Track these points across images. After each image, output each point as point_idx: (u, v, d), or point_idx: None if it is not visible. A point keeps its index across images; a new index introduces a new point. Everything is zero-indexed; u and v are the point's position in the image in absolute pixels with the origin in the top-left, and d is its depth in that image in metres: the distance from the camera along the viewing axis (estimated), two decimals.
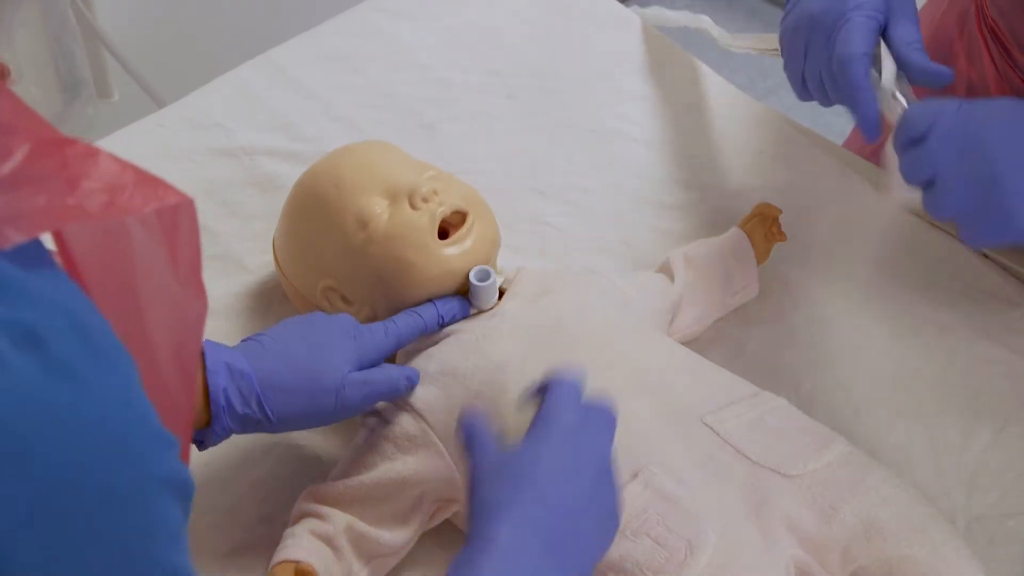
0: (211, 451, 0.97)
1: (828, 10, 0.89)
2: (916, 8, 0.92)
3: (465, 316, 0.94)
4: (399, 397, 0.89)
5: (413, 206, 0.95)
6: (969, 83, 1.12)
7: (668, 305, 1.01)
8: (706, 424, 0.89)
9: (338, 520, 0.86)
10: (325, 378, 0.85)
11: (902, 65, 0.89)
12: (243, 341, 0.88)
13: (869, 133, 0.88)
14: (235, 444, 0.98)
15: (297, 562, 0.83)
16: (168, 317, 0.59)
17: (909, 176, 0.86)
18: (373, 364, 0.89)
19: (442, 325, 0.93)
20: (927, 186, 0.85)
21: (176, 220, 0.59)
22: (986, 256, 1.10)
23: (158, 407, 0.53)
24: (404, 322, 0.91)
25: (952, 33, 1.16)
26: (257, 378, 0.84)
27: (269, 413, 0.84)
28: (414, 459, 0.88)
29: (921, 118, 0.84)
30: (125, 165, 0.54)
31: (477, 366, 0.90)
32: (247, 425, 0.84)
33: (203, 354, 0.84)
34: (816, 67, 0.91)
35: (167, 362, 0.59)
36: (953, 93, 1.13)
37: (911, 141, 0.85)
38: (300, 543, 0.84)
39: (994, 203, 0.82)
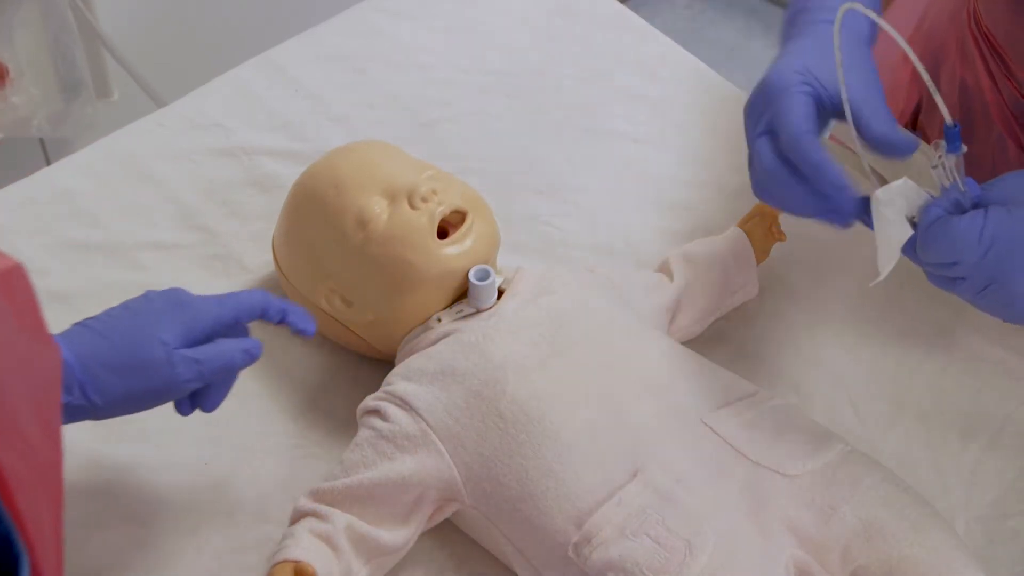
0: (211, 451, 0.98)
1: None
2: (872, 65, 0.87)
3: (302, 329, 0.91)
4: (238, 370, 0.86)
5: (412, 206, 0.95)
6: (963, 85, 1.10)
7: (667, 304, 1.01)
8: (705, 424, 0.89)
9: (338, 520, 0.86)
10: (148, 353, 0.81)
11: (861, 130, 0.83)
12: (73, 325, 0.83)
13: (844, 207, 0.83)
14: (235, 444, 0.98)
15: (296, 562, 0.83)
16: (22, 375, 0.56)
17: (934, 264, 0.81)
18: (209, 336, 0.84)
19: (280, 321, 0.89)
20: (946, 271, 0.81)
21: (10, 280, 0.56)
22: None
23: (24, 469, 0.50)
24: (248, 294, 0.88)
25: (943, 28, 1.12)
26: (79, 362, 0.79)
27: (94, 398, 0.80)
28: (413, 459, 0.88)
29: (970, 231, 0.78)
30: None
31: (477, 366, 0.90)
32: (74, 414, 0.80)
33: None
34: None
35: (28, 422, 0.56)
36: (946, 96, 1.12)
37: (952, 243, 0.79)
38: (299, 543, 0.84)
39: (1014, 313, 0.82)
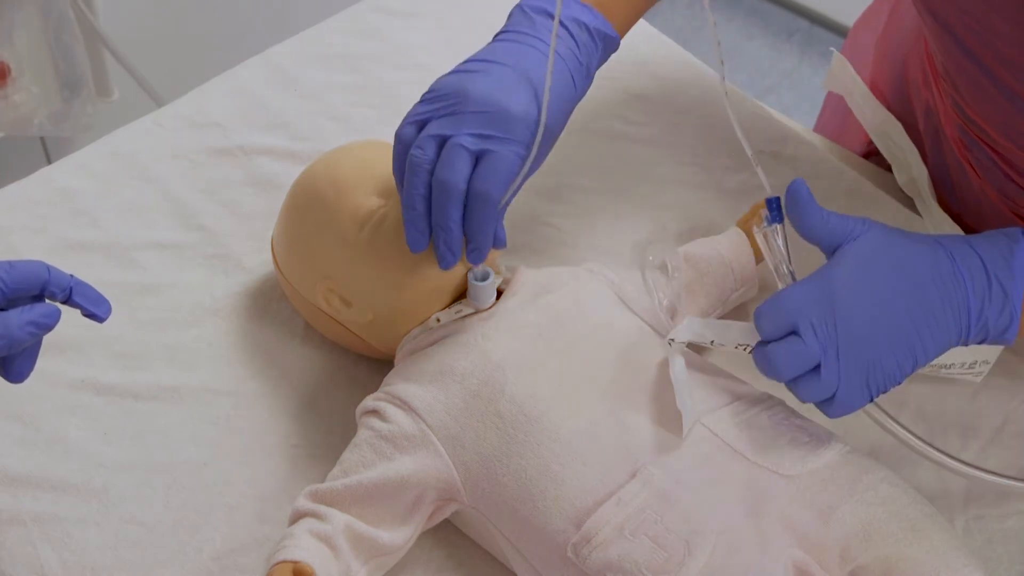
0: (211, 451, 0.98)
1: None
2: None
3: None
4: (28, 344, 0.78)
5: None
6: (927, 108, 1.09)
7: (666, 304, 1.01)
8: (704, 424, 0.88)
9: (337, 520, 0.86)
10: None
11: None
12: None
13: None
14: (235, 444, 0.98)
15: (295, 562, 0.83)
16: None
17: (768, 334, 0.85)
18: None
19: (66, 300, 0.81)
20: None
21: None
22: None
23: None
24: (27, 264, 0.79)
25: (909, 44, 1.11)
26: None
27: None
28: (412, 459, 0.88)
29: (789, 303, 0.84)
30: None
31: (476, 365, 0.90)
32: None
33: None
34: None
35: None
36: (913, 116, 1.11)
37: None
38: (298, 543, 0.84)
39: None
